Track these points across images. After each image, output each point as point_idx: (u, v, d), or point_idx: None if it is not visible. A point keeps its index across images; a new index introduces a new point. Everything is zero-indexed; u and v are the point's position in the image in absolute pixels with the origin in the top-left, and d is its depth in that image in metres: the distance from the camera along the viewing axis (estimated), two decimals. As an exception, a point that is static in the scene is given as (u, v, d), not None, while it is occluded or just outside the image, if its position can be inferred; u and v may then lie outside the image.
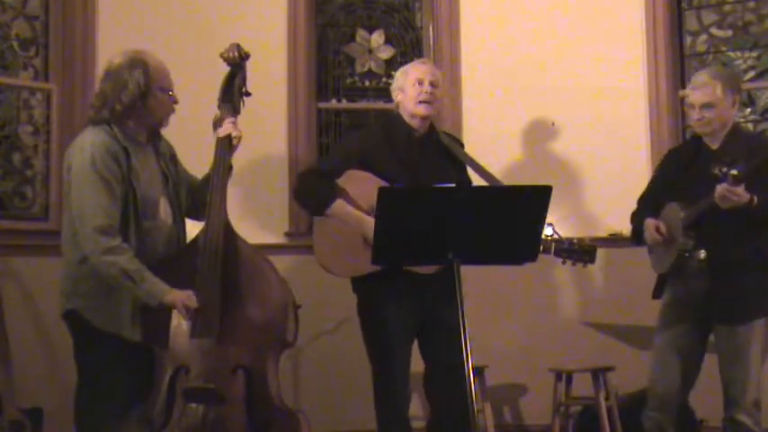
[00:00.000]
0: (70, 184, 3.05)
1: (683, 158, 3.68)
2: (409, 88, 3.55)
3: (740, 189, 3.27)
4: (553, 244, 3.46)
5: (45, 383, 4.58)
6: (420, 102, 3.53)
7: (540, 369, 4.93)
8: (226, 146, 3.24)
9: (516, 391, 5.22)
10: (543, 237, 3.40)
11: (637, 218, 3.71)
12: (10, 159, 4.94)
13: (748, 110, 5.34)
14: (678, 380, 3.55)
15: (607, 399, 4.71)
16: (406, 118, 3.59)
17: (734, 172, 3.24)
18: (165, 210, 3.17)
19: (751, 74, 5.34)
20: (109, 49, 4.88)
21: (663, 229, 3.52)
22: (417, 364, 3.61)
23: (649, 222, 3.58)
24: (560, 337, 5.09)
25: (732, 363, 3.46)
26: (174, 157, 3.33)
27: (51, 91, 4.98)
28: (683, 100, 5.33)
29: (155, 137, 3.23)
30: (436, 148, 3.61)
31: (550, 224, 3.57)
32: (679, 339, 3.55)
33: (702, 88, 3.52)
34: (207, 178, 3.26)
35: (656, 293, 3.70)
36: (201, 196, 3.25)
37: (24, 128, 4.99)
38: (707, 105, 3.51)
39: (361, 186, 3.45)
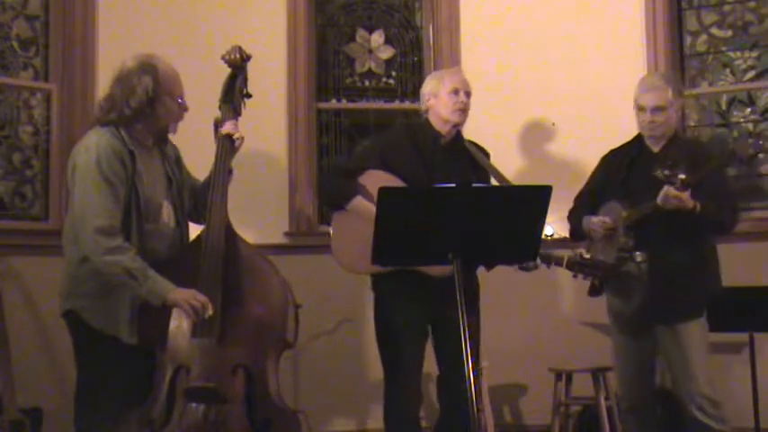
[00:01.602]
0: (74, 183, 3.05)
1: (625, 160, 3.73)
2: (444, 95, 3.62)
3: (686, 194, 3.33)
4: (565, 257, 3.47)
5: (45, 383, 4.58)
6: (455, 110, 3.60)
7: (540, 369, 4.93)
8: (227, 146, 3.25)
9: (516, 391, 5.22)
10: (544, 237, 3.40)
11: (575, 216, 3.76)
12: (10, 159, 4.94)
13: (748, 110, 5.34)
14: (641, 383, 3.66)
15: (607, 399, 4.71)
16: (435, 123, 3.66)
17: (682, 176, 3.30)
18: (167, 213, 3.17)
19: (751, 74, 5.34)
20: (109, 49, 4.90)
21: (609, 222, 3.57)
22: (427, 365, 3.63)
23: (592, 219, 3.63)
24: (560, 337, 5.09)
25: (678, 361, 3.53)
26: (178, 160, 3.34)
27: (51, 91, 4.99)
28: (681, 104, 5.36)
29: (161, 141, 3.24)
30: (460, 155, 3.66)
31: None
32: (630, 346, 3.66)
33: (655, 91, 3.60)
34: (208, 181, 3.26)
35: (593, 291, 3.76)
36: (203, 198, 3.26)
37: (24, 128, 4.99)
38: (659, 108, 3.58)
39: (379, 185, 3.47)
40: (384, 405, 3.56)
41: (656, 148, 3.66)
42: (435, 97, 3.65)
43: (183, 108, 3.19)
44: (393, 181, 3.51)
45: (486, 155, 3.77)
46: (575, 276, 3.53)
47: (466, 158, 3.66)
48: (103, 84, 4.48)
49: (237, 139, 3.27)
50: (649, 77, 3.70)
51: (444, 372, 3.60)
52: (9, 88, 4.96)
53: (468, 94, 3.65)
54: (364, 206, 3.48)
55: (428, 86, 3.71)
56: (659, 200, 3.36)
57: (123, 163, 3.03)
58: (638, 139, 3.74)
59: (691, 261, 3.53)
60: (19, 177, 4.96)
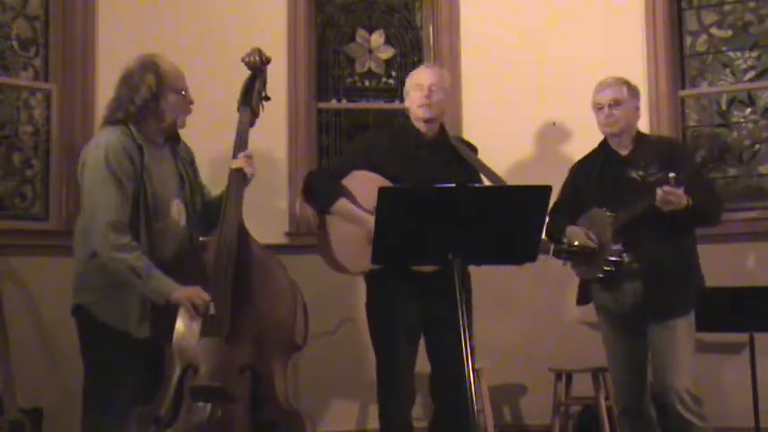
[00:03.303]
0: (84, 181, 3.09)
1: (595, 167, 3.73)
2: (411, 92, 3.70)
3: (681, 191, 3.32)
4: (551, 246, 3.47)
5: (45, 383, 4.58)
6: (419, 105, 3.64)
7: (540, 369, 4.93)
8: (238, 179, 3.26)
9: (516, 391, 5.22)
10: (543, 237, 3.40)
11: (555, 227, 3.71)
12: (10, 159, 4.94)
13: (748, 110, 5.34)
14: (636, 384, 3.64)
15: (607, 399, 4.71)
16: (414, 121, 3.70)
17: (672, 174, 3.30)
18: (177, 210, 3.20)
19: (751, 74, 5.34)
20: (109, 49, 4.90)
21: (593, 236, 3.55)
22: (420, 365, 3.61)
23: (577, 230, 3.60)
24: (560, 337, 5.08)
25: (665, 356, 3.51)
26: (193, 163, 3.37)
27: (51, 91, 4.98)
28: (683, 100, 5.36)
29: (173, 139, 3.25)
30: (445, 152, 3.67)
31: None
32: (623, 348, 3.65)
33: (610, 87, 3.66)
34: (218, 200, 3.28)
35: (582, 300, 3.76)
36: (214, 215, 3.25)
37: (24, 128, 4.99)
38: (615, 102, 3.63)
39: (365, 186, 3.50)
40: (378, 404, 3.57)
41: (624, 151, 3.67)
42: (407, 96, 3.73)
43: (189, 101, 3.22)
44: (379, 180, 3.50)
45: (474, 150, 3.77)
46: (564, 264, 3.54)
47: (451, 155, 3.67)
48: (103, 84, 4.49)
49: (249, 173, 3.28)
50: (603, 80, 3.72)
51: (437, 371, 3.58)
52: (9, 88, 4.96)
53: (433, 89, 3.63)
54: (348, 210, 3.51)
55: (405, 87, 3.79)
56: (658, 202, 3.34)
57: (131, 159, 3.06)
58: (603, 145, 3.76)
59: (681, 258, 3.54)
60: (19, 177, 4.95)
